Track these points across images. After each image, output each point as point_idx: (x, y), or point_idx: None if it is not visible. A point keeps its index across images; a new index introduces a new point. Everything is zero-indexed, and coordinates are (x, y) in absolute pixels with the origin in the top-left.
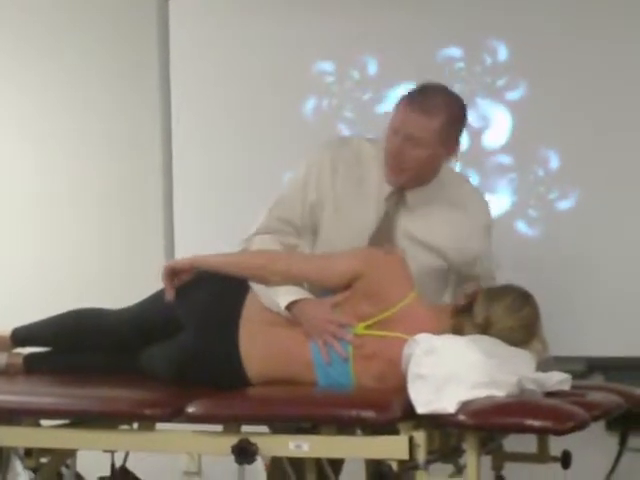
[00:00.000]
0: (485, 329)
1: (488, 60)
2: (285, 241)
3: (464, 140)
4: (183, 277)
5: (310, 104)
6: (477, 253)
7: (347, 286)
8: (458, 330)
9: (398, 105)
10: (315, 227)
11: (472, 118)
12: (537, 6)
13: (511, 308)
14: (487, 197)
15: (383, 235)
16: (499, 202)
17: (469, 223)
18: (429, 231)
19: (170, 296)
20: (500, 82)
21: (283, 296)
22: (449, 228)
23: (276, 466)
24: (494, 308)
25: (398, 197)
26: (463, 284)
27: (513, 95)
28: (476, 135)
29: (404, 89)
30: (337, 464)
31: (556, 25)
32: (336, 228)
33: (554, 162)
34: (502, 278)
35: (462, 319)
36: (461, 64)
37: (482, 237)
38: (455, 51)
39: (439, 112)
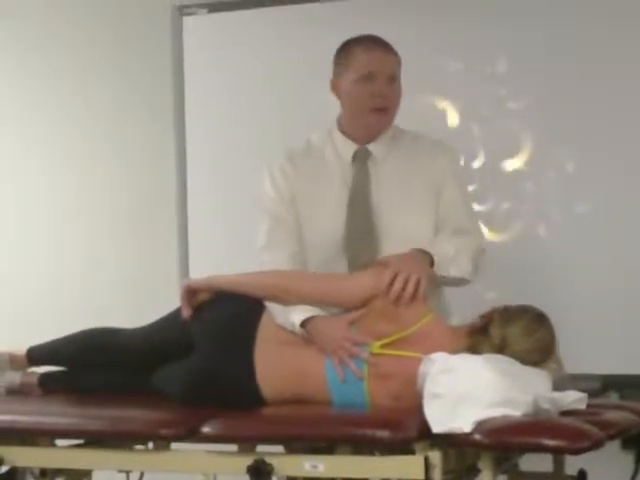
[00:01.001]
0: (501, 350)
1: (488, 70)
2: (294, 252)
3: (478, 154)
4: (200, 297)
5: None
6: (449, 177)
7: (363, 305)
8: (474, 350)
9: (351, 55)
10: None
11: (478, 129)
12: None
13: (527, 330)
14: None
15: (359, 205)
16: (516, 211)
17: (436, 156)
18: (402, 179)
19: (187, 314)
20: (503, 92)
21: (298, 313)
22: (419, 165)
23: None
24: (510, 330)
25: (363, 154)
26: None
27: (520, 104)
28: (486, 145)
29: (405, 109)
30: None
31: (560, 31)
32: (312, 213)
33: (569, 168)
34: (516, 299)
35: (478, 339)
36: (463, 77)
37: (450, 161)
38: (458, 65)
39: (393, 48)
